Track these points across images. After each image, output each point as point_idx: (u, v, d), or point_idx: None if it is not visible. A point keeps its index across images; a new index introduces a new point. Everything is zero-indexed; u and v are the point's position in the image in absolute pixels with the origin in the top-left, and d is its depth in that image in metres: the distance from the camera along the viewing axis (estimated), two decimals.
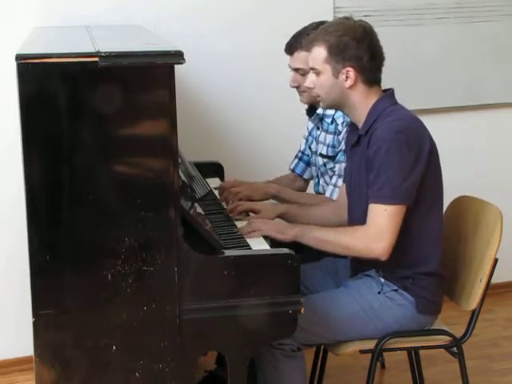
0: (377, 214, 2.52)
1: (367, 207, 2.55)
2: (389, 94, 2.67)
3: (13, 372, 3.60)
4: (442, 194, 2.68)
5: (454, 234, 2.86)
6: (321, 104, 2.73)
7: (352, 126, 2.75)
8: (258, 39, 3.73)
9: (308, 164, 3.32)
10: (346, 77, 2.59)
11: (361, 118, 2.65)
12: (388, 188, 2.50)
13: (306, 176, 3.35)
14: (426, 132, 2.61)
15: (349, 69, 2.58)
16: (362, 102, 2.63)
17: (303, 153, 3.33)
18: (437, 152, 2.62)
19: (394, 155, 2.50)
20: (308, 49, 2.67)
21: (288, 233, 2.65)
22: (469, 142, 4.19)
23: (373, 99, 2.63)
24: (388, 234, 2.50)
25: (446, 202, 2.91)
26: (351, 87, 2.61)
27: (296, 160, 3.36)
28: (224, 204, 3.01)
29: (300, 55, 2.99)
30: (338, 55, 2.58)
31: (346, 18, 2.67)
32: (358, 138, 2.66)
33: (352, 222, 2.69)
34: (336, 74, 2.60)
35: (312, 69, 2.66)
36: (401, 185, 2.50)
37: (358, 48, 2.57)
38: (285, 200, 3.11)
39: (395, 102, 2.67)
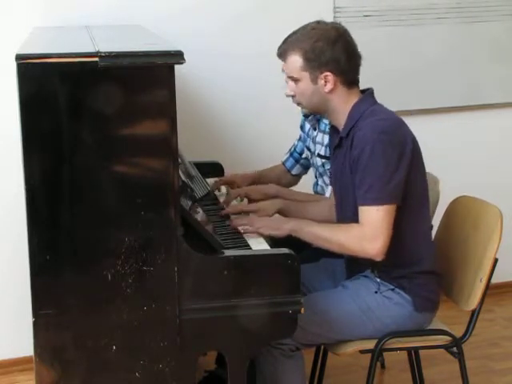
0: (369, 215, 2.51)
1: (355, 206, 2.55)
2: (368, 93, 2.65)
3: (13, 372, 3.60)
4: (427, 191, 2.67)
5: (454, 234, 2.86)
6: (303, 110, 2.71)
7: (333, 129, 2.74)
8: (258, 39, 3.73)
9: (297, 161, 3.34)
10: (325, 81, 2.58)
11: (341, 121, 2.63)
12: (376, 189, 2.49)
13: (293, 172, 3.37)
14: (409, 131, 2.60)
15: (327, 73, 2.57)
16: (343, 105, 2.61)
17: (295, 149, 3.35)
18: (419, 150, 2.61)
19: (378, 156, 2.49)
20: (283, 58, 2.65)
21: (283, 227, 2.64)
22: (469, 141, 4.19)
23: (353, 100, 2.61)
24: (382, 234, 2.50)
25: (446, 202, 2.92)
26: (331, 91, 2.59)
27: (288, 155, 3.38)
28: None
29: None
30: (315, 61, 2.56)
31: (317, 22, 2.65)
32: (339, 140, 2.65)
33: (341, 222, 2.69)
34: (315, 80, 2.59)
35: (290, 77, 2.65)
36: (388, 184, 2.49)
37: (333, 51, 2.55)
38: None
39: (375, 102, 2.65)
